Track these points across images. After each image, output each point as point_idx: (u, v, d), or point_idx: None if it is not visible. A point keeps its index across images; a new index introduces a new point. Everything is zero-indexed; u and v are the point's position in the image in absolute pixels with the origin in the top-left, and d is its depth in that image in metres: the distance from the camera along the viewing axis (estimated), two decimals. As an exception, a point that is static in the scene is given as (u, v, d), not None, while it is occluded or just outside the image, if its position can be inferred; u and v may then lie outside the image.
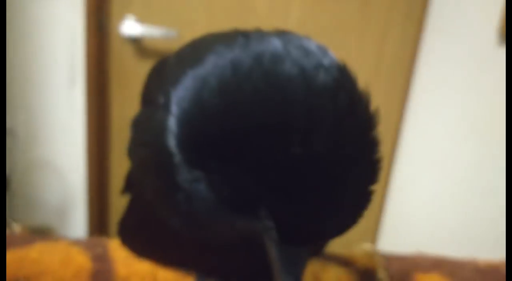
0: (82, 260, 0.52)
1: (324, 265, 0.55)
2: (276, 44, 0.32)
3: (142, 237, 0.49)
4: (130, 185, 0.48)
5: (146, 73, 0.44)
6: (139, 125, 0.40)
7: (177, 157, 0.34)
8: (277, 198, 0.31)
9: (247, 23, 1.28)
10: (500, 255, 0.70)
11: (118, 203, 1.44)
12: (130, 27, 1.25)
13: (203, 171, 0.33)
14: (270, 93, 0.29)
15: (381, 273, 0.55)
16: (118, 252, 0.54)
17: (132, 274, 0.52)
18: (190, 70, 0.33)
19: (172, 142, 0.34)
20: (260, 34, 0.34)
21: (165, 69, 0.39)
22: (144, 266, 0.53)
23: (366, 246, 0.59)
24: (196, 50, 0.36)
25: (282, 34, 0.33)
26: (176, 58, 0.39)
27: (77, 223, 1.39)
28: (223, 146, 0.31)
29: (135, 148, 0.40)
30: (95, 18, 1.23)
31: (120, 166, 1.40)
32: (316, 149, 0.29)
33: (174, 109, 0.33)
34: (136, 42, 1.29)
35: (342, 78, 0.31)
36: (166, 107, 0.34)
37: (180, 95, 0.33)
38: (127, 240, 0.51)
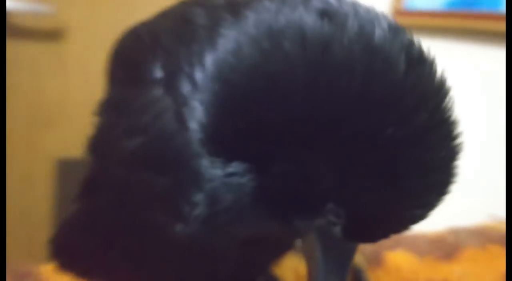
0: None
1: (300, 259, 0.51)
2: (332, 2, 0.27)
3: (105, 255, 0.39)
4: (92, 189, 0.37)
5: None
6: (117, 108, 0.31)
7: (200, 148, 0.27)
8: (358, 188, 0.27)
9: (129, 2, 1.16)
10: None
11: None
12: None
13: (253, 163, 0.27)
14: (367, 62, 0.25)
15: (359, 258, 0.53)
16: None
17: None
18: (227, 30, 0.26)
19: (194, 126, 0.27)
20: None
21: (157, 38, 0.31)
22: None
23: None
24: (209, 11, 0.29)
25: None
26: (169, 23, 0.31)
27: None
28: (300, 129, 0.25)
29: (111, 139, 0.31)
30: None
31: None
32: (416, 130, 0.25)
33: (205, 83, 0.26)
34: (-3, 19, 1.07)
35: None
36: (170, 82, 0.27)
37: (216, 66, 0.26)
38: (75, 263, 0.40)
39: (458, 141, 0.27)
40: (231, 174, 0.27)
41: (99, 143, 0.33)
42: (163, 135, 0.28)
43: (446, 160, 0.27)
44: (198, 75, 0.26)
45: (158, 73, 0.28)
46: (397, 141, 0.25)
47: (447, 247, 0.62)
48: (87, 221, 0.37)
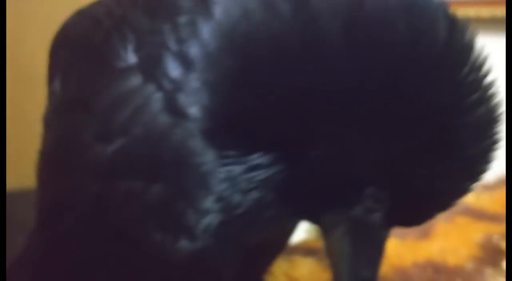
0: None
1: (291, 261, 0.47)
2: None
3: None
4: (54, 215, 0.30)
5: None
6: (81, 108, 0.25)
7: (204, 141, 0.23)
8: (407, 164, 0.24)
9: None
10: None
11: None
12: None
13: (283, 150, 0.23)
14: (408, 17, 0.22)
15: None
16: None
17: None
18: None
19: (196, 114, 0.22)
20: None
21: (121, 18, 0.25)
22: None
23: (312, 228, 0.52)
24: None
25: None
26: None
27: None
28: (341, 99, 0.22)
29: (77, 148, 0.25)
30: None
31: None
32: (466, 92, 0.23)
33: (207, 59, 0.22)
34: None
35: None
36: (150, 66, 0.23)
37: (221, 36, 0.22)
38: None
39: (498, 102, 0.25)
40: (252, 168, 0.22)
41: (59, 156, 0.26)
42: (151, 132, 0.22)
43: (493, 124, 0.25)
44: (194, 51, 0.22)
45: (131, 58, 0.23)
46: (449, 105, 0.23)
47: (421, 226, 0.62)
48: (52, 255, 0.29)
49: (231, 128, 0.22)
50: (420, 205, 0.25)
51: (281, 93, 0.21)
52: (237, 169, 0.22)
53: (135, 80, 0.23)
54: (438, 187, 0.24)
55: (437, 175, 0.24)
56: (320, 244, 0.53)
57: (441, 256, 0.57)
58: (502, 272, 0.56)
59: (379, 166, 0.23)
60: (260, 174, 0.22)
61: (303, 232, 0.50)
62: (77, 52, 0.27)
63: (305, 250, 0.49)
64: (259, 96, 0.21)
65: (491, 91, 0.24)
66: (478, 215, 0.69)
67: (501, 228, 0.65)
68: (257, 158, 0.22)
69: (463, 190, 0.25)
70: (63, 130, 0.26)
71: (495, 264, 0.58)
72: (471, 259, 0.58)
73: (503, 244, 0.62)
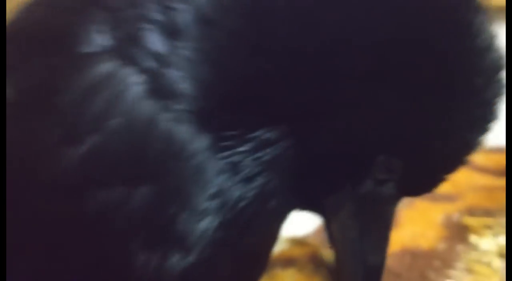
0: None
1: (272, 276, 0.45)
2: None
3: None
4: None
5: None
6: (37, 107, 0.20)
7: (198, 125, 0.20)
8: (422, 124, 0.23)
9: None
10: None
11: None
12: None
13: (294, 122, 0.20)
14: None
15: (326, 252, 0.48)
16: None
17: None
18: None
19: (188, 91, 0.19)
20: None
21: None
22: None
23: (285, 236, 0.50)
24: None
25: None
26: None
27: None
28: (361, 57, 0.20)
29: (33, 157, 0.20)
30: None
31: None
32: (473, 36, 0.22)
33: (201, 24, 0.19)
34: None
35: None
36: (129, 47, 0.20)
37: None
38: None
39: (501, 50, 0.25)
40: (258, 147, 0.19)
41: (7, 176, 0.21)
42: (131, 123, 0.19)
43: (500, 70, 0.24)
44: (185, 17, 0.19)
45: (100, 40, 0.20)
46: (462, 50, 0.22)
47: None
48: None
49: (232, 102, 0.19)
50: (433, 168, 0.24)
51: (296, 53, 0.19)
52: (239, 151, 0.19)
53: (108, 65, 0.19)
54: (452, 143, 0.23)
55: (452, 128, 0.23)
56: (297, 252, 0.51)
57: (413, 242, 0.58)
58: (472, 246, 0.58)
59: (392, 128, 0.22)
60: (267, 153, 0.20)
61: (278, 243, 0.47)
62: (32, 44, 0.22)
63: (283, 261, 0.47)
64: (270, 59, 0.19)
65: (494, 38, 0.23)
66: (434, 197, 0.70)
67: (457, 206, 0.67)
68: (263, 134, 0.19)
69: (474, 143, 0.24)
70: (13, 142, 0.21)
71: (463, 240, 0.60)
72: (441, 239, 0.60)
73: (464, 220, 0.64)
